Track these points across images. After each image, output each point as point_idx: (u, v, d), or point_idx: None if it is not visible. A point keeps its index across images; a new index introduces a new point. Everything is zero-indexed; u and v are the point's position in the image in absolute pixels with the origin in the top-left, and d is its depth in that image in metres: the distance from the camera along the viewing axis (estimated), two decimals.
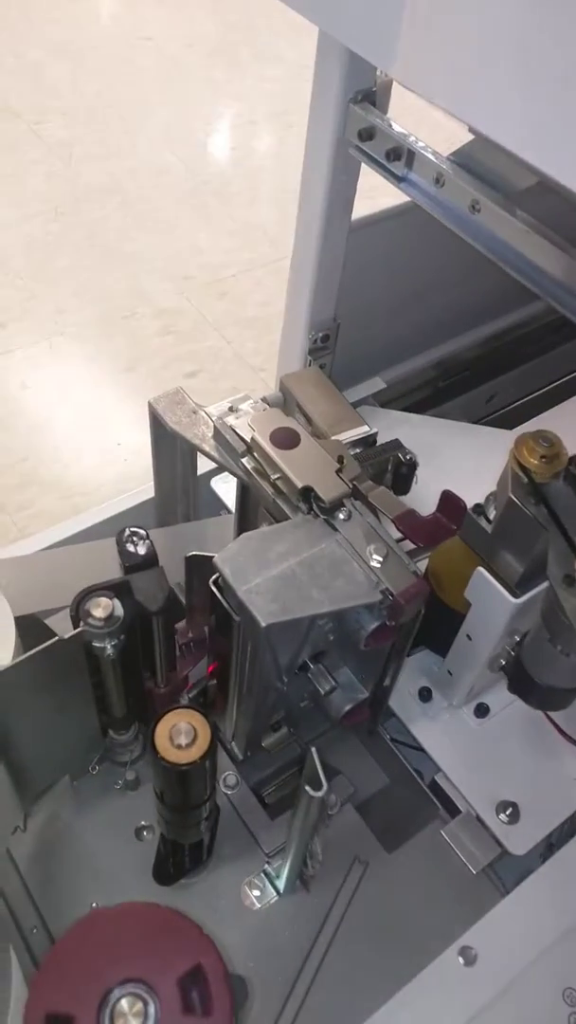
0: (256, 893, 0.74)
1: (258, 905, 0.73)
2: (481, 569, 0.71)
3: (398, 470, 0.96)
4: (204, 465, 1.04)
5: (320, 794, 0.54)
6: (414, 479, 0.97)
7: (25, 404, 1.71)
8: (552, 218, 0.70)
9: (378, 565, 0.62)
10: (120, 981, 0.42)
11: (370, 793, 0.85)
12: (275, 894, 0.74)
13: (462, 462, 1.12)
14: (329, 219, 0.92)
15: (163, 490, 0.84)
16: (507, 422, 1.28)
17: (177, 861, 0.71)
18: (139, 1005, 0.41)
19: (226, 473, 0.79)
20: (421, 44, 0.62)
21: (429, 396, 1.36)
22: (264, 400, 1.03)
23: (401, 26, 0.63)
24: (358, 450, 0.97)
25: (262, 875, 0.74)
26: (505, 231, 0.72)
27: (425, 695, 0.87)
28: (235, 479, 0.77)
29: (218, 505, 1.03)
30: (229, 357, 1.85)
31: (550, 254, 0.69)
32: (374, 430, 0.97)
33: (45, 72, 2.60)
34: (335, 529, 0.64)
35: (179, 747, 0.54)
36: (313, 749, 0.55)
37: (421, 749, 0.85)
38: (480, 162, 0.73)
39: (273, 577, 0.60)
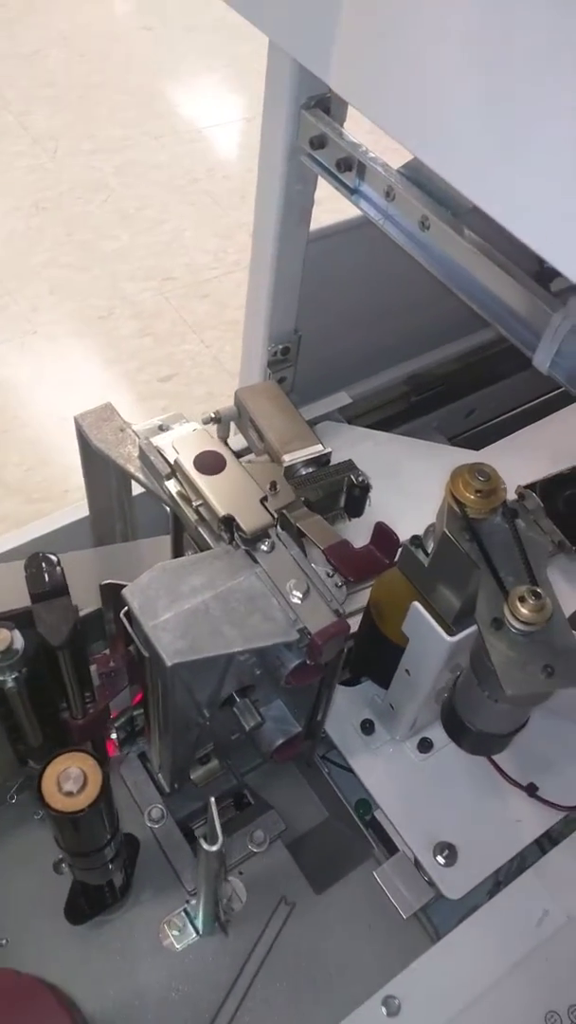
0: (175, 933, 0.71)
1: (177, 946, 0.70)
2: (416, 604, 0.68)
3: (351, 492, 0.92)
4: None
5: (215, 848, 0.51)
6: (368, 501, 0.94)
7: None
8: (499, 239, 0.66)
9: (297, 601, 0.59)
10: None
11: (306, 828, 0.82)
12: (195, 934, 0.71)
13: (425, 483, 1.08)
14: (285, 228, 0.89)
15: (97, 508, 0.81)
16: (487, 438, 1.25)
17: (91, 898, 0.68)
18: None
19: None
20: (354, 55, 0.59)
21: (402, 411, 1.32)
22: (217, 414, 1.00)
23: (335, 33, 0.59)
24: (310, 470, 0.94)
25: (182, 914, 0.72)
26: (453, 250, 0.69)
27: (367, 727, 0.84)
28: None
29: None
30: (207, 362, 1.81)
31: (497, 277, 0.66)
32: (328, 449, 0.94)
33: (38, 60, 2.57)
34: (256, 561, 0.61)
35: (67, 794, 0.51)
36: (212, 800, 0.52)
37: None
38: (428, 177, 0.70)
39: (184, 612, 0.57)
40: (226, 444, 0.65)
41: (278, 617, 0.58)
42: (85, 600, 0.68)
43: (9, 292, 1.88)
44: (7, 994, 0.42)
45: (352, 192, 0.77)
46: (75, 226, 2.07)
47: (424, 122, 0.61)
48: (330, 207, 0.92)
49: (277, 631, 0.57)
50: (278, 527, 0.63)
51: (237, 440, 1.04)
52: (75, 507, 0.85)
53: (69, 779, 0.51)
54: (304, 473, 0.93)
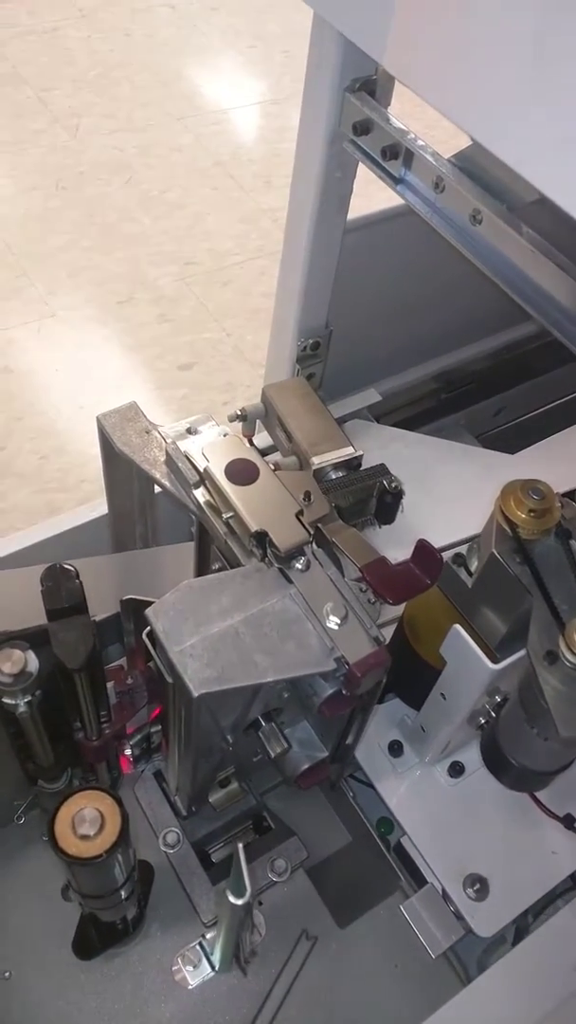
0: (189, 968, 0.67)
1: (191, 982, 0.66)
2: (458, 627, 0.63)
3: (382, 498, 0.88)
4: None
5: (243, 902, 0.46)
6: (400, 508, 0.89)
7: (6, 390, 1.63)
8: (558, 235, 0.61)
9: (335, 627, 0.54)
10: None
11: (328, 852, 0.78)
12: (211, 970, 0.67)
13: (457, 488, 1.03)
14: (322, 218, 0.84)
15: (117, 510, 0.76)
16: (515, 436, 1.20)
17: (101, 931, 0.64)
18: None
19: None
20: (414, 34, 0.54)
21: (430, 408, 1.27)
22: (243, 411, 0.95)
23: (393, 10, 0.54)
24: (340, 474, 0.89)
25: (197, 948, 0.67)
26: (507, 247, 0.64)
27: (396, 749, 0.79)
28: None
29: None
30: (228, 351, 1.76)
31: (554, 276, 0.61)
32: (359, 452, 0.89)
33: (59, 37, 2.50)
34: (290, 581, 0.56)
35: (83, 837, 0.46)
36: (240, 846, 0.48)
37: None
38: (483, 167, 0.65)
39: (213, 637, 0.53)
40: (258, 451, 0.60)
41: (314, 644, 0.54)
42: (102, 607, 0.63)
43: (26, 274, 1.83)
44: None
45: (397, 182, 0.72)
46: (95, 208, 2.02)
47: (489, 102, 0.56)
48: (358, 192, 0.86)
49: (313, 660, 0.53)
50: (313, 544, 0.58)
51: (262, 438, 1.00)
52: (93, 505, 0.81)
53: (85, 821, 0.47)
54: (334, 477, 0.88)
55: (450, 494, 0.99)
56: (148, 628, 0.54)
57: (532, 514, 0.57)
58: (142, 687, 0.65)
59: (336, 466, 0.88)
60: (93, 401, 1.61)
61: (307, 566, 0.57)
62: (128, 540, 0.80)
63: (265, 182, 2.19)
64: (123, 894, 0.55)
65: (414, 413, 1.25)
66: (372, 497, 0.89)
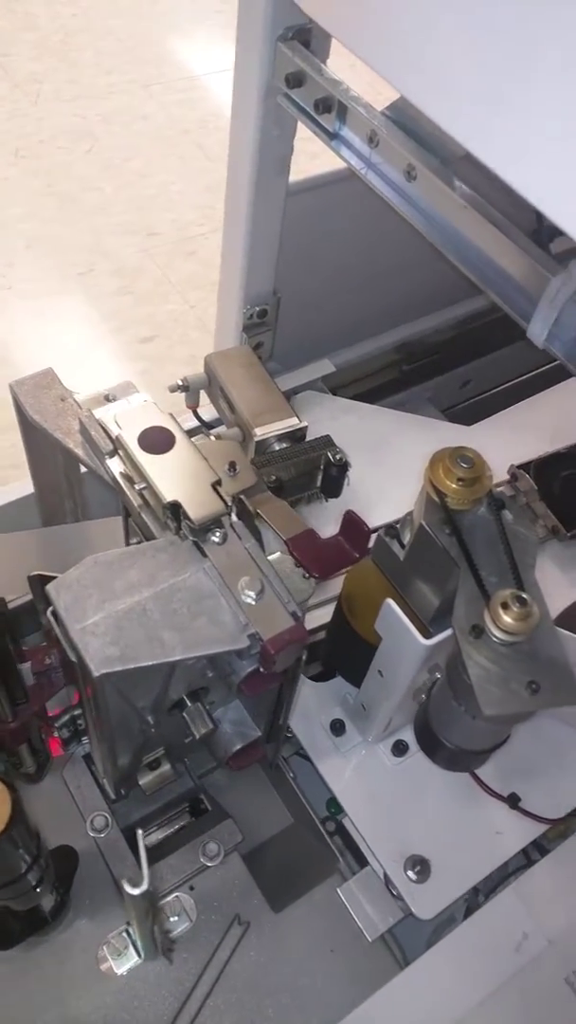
0: (115, 956, 0.64)
1: (117, 970, 0.64)
2: (390, 602, 0.61)
3: (328, 471, 0.85)
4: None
5: (139, 892, 0.44)
6: (347, 480, 0.86)
7: None
8: (495, 191, 0.58)
9: (250, 602, 0.51)
10: None
11: (270, 834, 0.76)
12: (137, 957, 0.65)
13: (411, 460, 1.00)
14: (261, 178, 0.80)
15: (43, 485, 0.73)
16: (484, 410, 1.17)
17: (21, 920, 0.62)
18: None
19: None
20: None
21: (392, 381, 1.24)
22: (185, 381, 0.92)
23: None
24: (284, 445, 0.86)
25: (124, 935, 0.65)
26: (440, 203, 0.61)
27: (338, 728, 0.77)
28: None
29: None
30: (191, 323, 1.72)
31: (485, 232, 0.57)
32: (303, 423, 0.86)
33: (17, 1, 2.42)
34: (205, 555, 0.53)
35: None
36: (140, 832, 0.46)
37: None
38: (416, 119, 0.62)
39: (118, 614, 0.50)
40: (175, 420, 0.57)
41: (227, 621, 0.51)
42: (20, 588, 0.60)
43: None
44: None
45: (332, 137, 0.68)
46: (56, 176, 1.96)
47: (411, 53, 0.53)
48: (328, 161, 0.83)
49: (225, 638, 0.50)
50: (233, 515, 0.55)
51: (208, 411, 0.97)
52: (20, 484, 0.77)
53: None
54: (277, 449, 0.85)
55: (402, 466, 0.96)
56: (50, 608, 0.52)
57: (461, 483, 0.55)
58: (59, 668, 0.62)
59: (280, 437, 0.85)
60: (19, 377, 1.57)
61: (224, 539, 0.54)
62: (58, 517, 0.77)
63: None
64: (31, 881, 0.53)
65: (375, 385, 1.22)
66: (318, 470, 0.86)
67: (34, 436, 0.64)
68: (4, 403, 0.64)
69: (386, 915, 0.69)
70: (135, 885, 0.43)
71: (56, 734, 0.68)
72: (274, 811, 0.77)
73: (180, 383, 0.90)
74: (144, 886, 0.43)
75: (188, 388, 0.89)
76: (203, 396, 0.94)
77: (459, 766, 0.66)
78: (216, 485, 0.54)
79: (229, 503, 0.54)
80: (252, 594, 0.51)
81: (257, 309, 0.95)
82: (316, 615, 0.83)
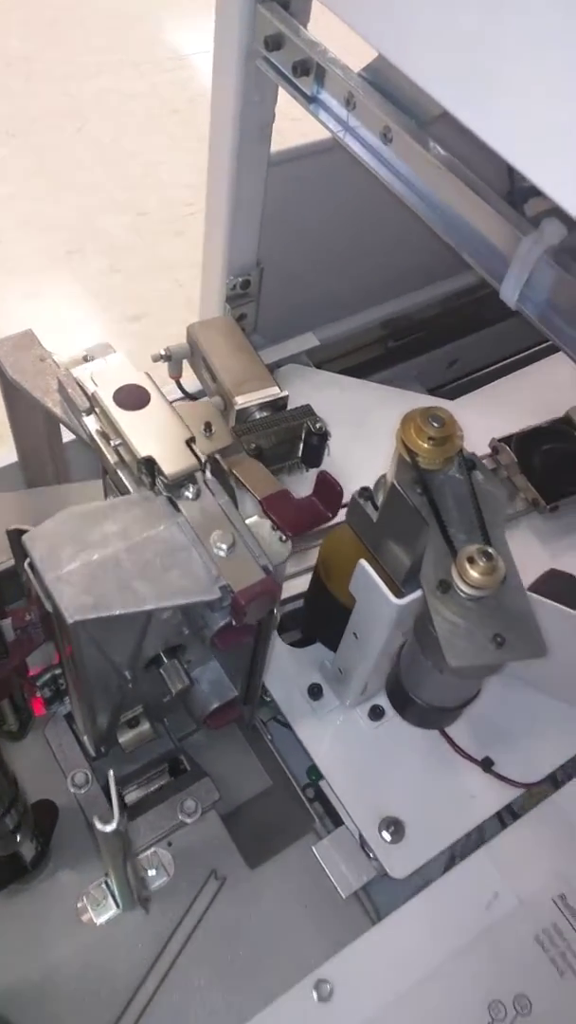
0: (94, 906, 0.66)
1: (96, 920, 0.65)
2: (363, 562, 0.62)
3: (309, 440, 0.86)
4: None
5: (110, 828, 0.45)
6: (327, 450, 0.87)
7: None
8: (470, 152, 0.59)
9: (222, 555, 0.52)
10: None
11: (247, 796, 0.77)
12: (116, 908, 0.66)
13: (392, 433, 1.02)
14: (242, 146, 0.81)
15: (25, 450, 0.74)
16: (470, 390, 1.17)
17: (2, 867, 0.63)
18: None
19: None
20: None
21: (378, 358, 1.25)
22: (167, 351, 0.92)
23: None
24: (265, 414, 0.86)
25: (103, 886, 0.66)
26: (416, 165, 0.61)
27: (315, 692, 0.78)
28: None
29: None
30: (180, 302, 1.72)
31: (462, 194, 0.58)
32: (284, 393, 0.87)
33: None
34: (178, 510, 0.54)
35: None
36: (111, 773, 0.46)
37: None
38: (393, 81, 0.62)
39: (92, 564, 0.51)
40: (151, 379, 0.57)
41: (199, 573, 0.52)
42: (6, 551, 0.61)
43: None
44: None
45: (310, 101, 0.69)
46: (45, 156, 1.96)
47: (384, 7, 0.53)
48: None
49: (196, 588, 0.51)
50: (207, 473, 0.56)
51: (191, 382, 0.97)
52: (3, 451, 0.78)
53: None
54: (258, 418, 0.86)
55: (382, 438, 0.97)
56: (27, 559, 0.52)
57: (432, 442, 0.55)
58: (39, 623, 0.63)
59: (261, 406, 0.86)
60: None
61: (197, 495, 0.55)
62: (41, 483, 0.78)
63: None
64: (9, 824, 0.54)
65: (361, 361, 1.22)
66: (299, 439, 0.87)
67: (15, 397, 0.65)
68: None
69: (360, 873, 0.70)
70: (106, 822, 0.44)
71: (38, 693, 0.69)
72: (252, 774, 0.78)
73: (163, 353, 0.90)
74: (114, 824, 0.44)
75: (171, 358, 0.90)
76: (186, 368, 0.95)
77: (430, 723, 0.67)
78: (190, 442, 0.55)
79: (203, 460, 0.55)
80: (224, 547, 0.52)
81: (240, 280, 0.95)
82: (294, 584, 0.84)
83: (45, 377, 0.61)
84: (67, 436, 0.77)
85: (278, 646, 0.81)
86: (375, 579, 0.60)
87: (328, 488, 0.60)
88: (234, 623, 0.54)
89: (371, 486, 0.63)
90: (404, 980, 0.65)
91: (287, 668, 0.80)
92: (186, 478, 0.54)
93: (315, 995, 0.63)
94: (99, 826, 0.45)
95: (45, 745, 0.72)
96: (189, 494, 0.54)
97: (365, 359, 1.23)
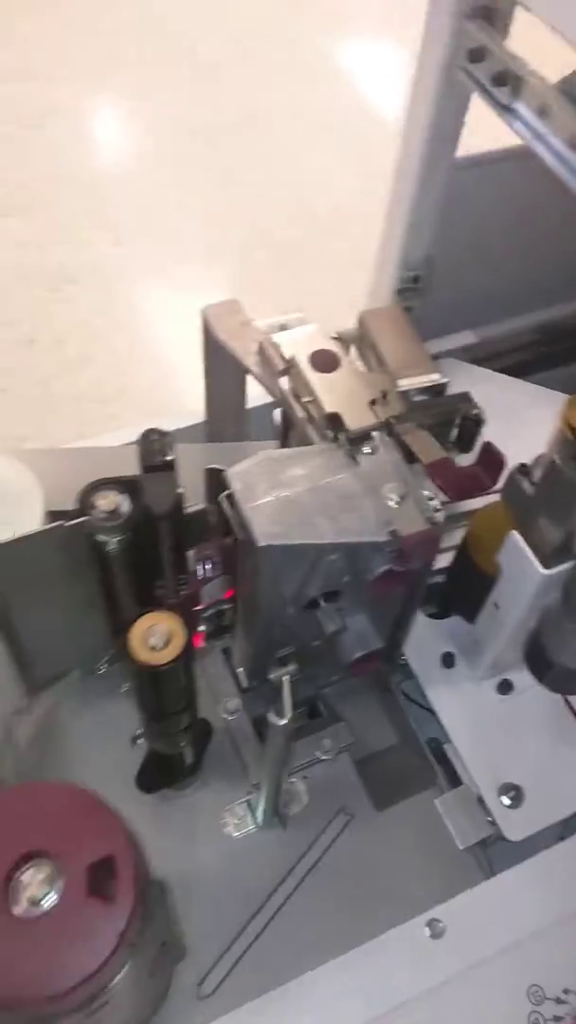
0: (235, 820, 0.73)
1: (235, 833, 0.73)
2: (514, 533, 0.67)
3: (464, 425, 0.91)
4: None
5: (283, 723, 0.52)
6: (479, 437, 0.91)
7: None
8: None
9: (393, 505, 0.58)
10: (29, 853, 0.41)
11: (373, 750, 0.82)
12: (254, 825, 0.73)
13: (543, 431, 1.05)
14: (431, 151, 0.87)
15: (214, 410, 0.82)
16: None
17: (162, 770, 0.71)
18: (43, 876, 0.41)
19: None
20: None
21: (529, 360, 1.28)
22: (339, 335, 1.00)
23: None
24: (424, 397, 0.92)
25: (244, 804, 0.74)
26: None
27: (449, 660, 0.83)
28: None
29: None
30: (339, 301, 1.80)
31: None
32: (445, 379, 0.92)
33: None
34: (356, 463, 0.61)
35: (152, 648, 0.53)
36: (286, 677, 0.53)
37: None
38: None
39: (282, 499, 0.58)
40: (341, 347, 0.64)
41: (371, 517, 0.58)
42: (190, 497, 0.69)
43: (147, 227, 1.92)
44: (77, 808, 0.45)
45: (505, 109, 0.74)
46: (225, 159, 2.09)
47: None
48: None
49: (368, 530, 0.58)
50: (384, 433, 0.62)
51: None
52: (190, 413, 0.87)
53: (154, 635, 0.53)
54: (417, 400, 0.92)
55: (534, 436, 1.01)
56: (225, 491, 0.60)
57: None
58: (218, 560, 0.71)
59: (421, 391, 0.92)
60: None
61: (374, 451, 0.61)
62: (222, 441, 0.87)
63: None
64: (182, 721, 0.61)
65: (512, 363, 1.26)
66: (453, 425, 0.92)
67: (216, 357, 0.74)
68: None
69: (478, 830, 0.74)
70: (280, 716, 0.51)
71: (202, 627, 0.77)
72: (382, 729, 0.83)
73: (335, 336, 0.98)
74: (287, 718, 0.51)
75: (341, 340, 0.97)
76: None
77: (566, 688, 0.71)
78: (372, 403, 0.62)
79: (382, 420, 0.62)
80: (395, 497, 0.59)
81: (411, 275, 1.01)
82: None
83: (246, 340, 0.70)
84: (250, 403, 0.85)
85: (417, 616, 0.87)
86: (525, 549, 0.65)
87: (492, 457, 0.66)
88: (394, 569, 0.60)
89: (529, 462, 0.68)
90: (512, 933, 0.69)
91: (424, 636, 0.85)
92: (365, 435, 0.61)
93: (428, 931, 0.68)
94: (273, 719, 0.52)
95: (202, 674, 0.80)
96: (367, 449, 0.61)
97: (517, 361, 1.27)
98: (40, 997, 0.39)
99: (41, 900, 0.41)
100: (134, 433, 0.85)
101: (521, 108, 0.73)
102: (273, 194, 2.02)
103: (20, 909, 0.41)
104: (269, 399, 1.04)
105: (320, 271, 1.86)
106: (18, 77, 2.22)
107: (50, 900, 0.42)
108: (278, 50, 2.42)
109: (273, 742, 0.55)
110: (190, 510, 0.73)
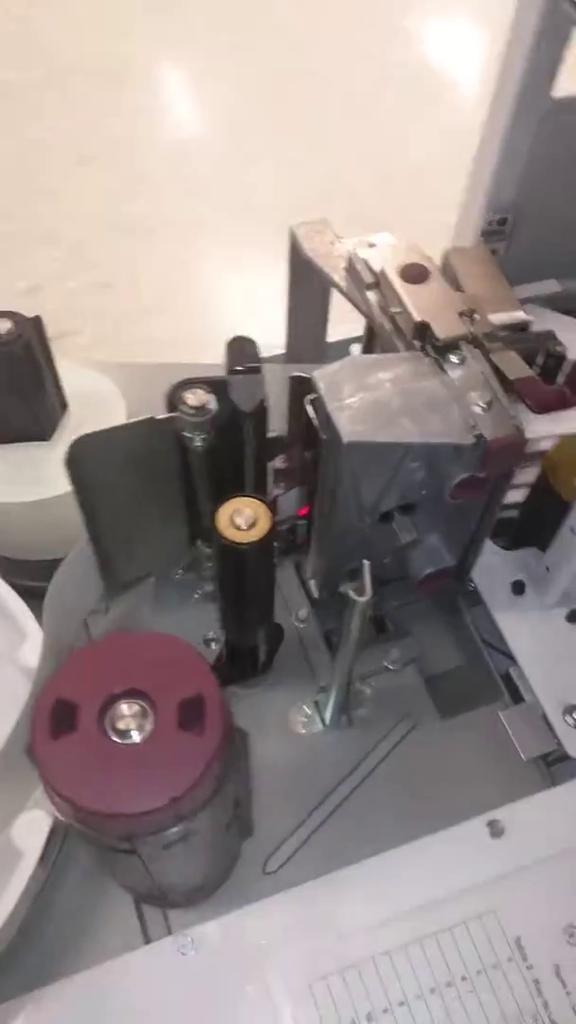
0: (302, 719, 0.76)
1: (302, 730, 0.76)
2: None
3: (546, 362, 0.92)
4: (345, 331, 1.04)
5: (364, 599, 0.55)
6: (560, 374, 0.92)
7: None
8: None
9: (479, 411, 0.60)
10: (125, 691, 0.45)
11: (440, 670, 0.85)
12: (320, 725, 0.76)
13: None
14: (526, 85, 0.88)
15: (294, 337, 0.85)
16: None
17: (236, 665, 0.75)
18: (137, 709, 0.45)
19: None
20: None
21: None
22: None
23: None
24: (507, 333, 0.93)
25: (312, 704, 0.77)
26: None
27: (518, 588, 0.85)
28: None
29: None
30: None
31: None
32: (529, 317, 0.93)
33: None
34: (443, 371, 0.63)
35: (238, 528, 0.56)
36: (366, 563, 0.56)
37: (504, 653, 0.83)
38: None
39: (368, 400, 0.60)
40: (431, 260, 0.66)
41: (456, 421, 0.60)
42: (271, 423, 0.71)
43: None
44: (171, 654, 0.48)
45: None
46: (308, 115, 2.10)
47: None
48: None
49: (453, 432, 0.60)
50: (472, 345, 0.64)
51: None
52: (267, 346, 0.90)
53: (241, 516, 0.56)
54: (503, 335, 0.93)
55: None
56: (311, 395, 0.63)
57: None
58: (297, 471, 0.74)
59: (506, 327, 0.93)
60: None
61: (462, 360, 0.63)
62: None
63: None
64: (258, 611, 0.65)
65: None
66: (535, 364, 0.93)
67: (303, 276, 0.76)
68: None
69: (543, 742, 0.76)
70: (360, 594, 0.54)
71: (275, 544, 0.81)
72: (447, 651, 0.86)
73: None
74: (368, 595, 0.54)
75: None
76: None
77: None
78: (463, 314, 0.64)
79: (471, 331, 0.63)
80: (482, 404, 0.61)
81: (498, 217, 1.02)
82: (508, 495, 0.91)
83: (334, 258, 0.72)
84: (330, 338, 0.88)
85: (487, 547, 0.89)
86: None
87: None
88: (478, 475, 0.62)
89: None
90: (570, 840, 0.71)
91: (494, 564, 0.87)
92: (454, 344, 0.63)
93: (488, 831, 0.71)
94: (353, 595, 0.55)
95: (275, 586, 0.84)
96: (455, 359, 0.63)
97: None
98: (133, 812, 0.43)
99: (135, 730, 0.45)
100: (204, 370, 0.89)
101: None
102: (350, 150, 2.03)
103: (116, 736, 0.45)
104: (347, 336, 1.07)
105: (391, 225, 1.87)
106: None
107: (144, 731, 0.45)
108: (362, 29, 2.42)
109: (352, 622, 0.58)
110: (271, 435, 0.76)
